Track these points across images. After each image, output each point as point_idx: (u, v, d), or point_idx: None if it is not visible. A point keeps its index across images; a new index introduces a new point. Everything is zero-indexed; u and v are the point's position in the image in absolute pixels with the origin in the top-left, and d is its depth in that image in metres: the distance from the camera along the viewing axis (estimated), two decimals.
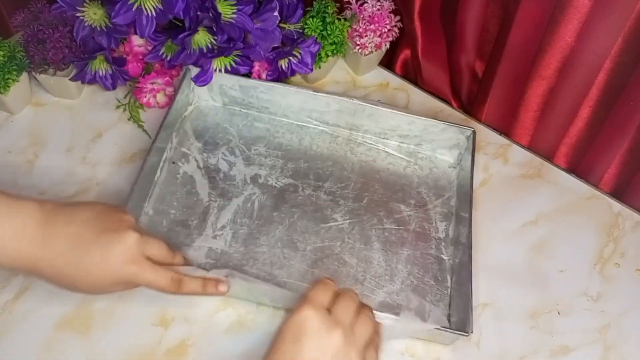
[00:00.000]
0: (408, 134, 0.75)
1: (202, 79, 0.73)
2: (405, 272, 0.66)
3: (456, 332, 0.59)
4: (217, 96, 0.77)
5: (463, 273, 0.63)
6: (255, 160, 0.73)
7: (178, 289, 0.56)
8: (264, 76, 0.76)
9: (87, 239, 0.52)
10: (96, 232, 0.52)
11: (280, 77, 0.77)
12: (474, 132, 0.73)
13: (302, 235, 0.68)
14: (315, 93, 0.74)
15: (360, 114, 0.74)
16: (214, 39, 0.70)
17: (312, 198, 0.71)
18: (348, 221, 0.69)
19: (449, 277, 0.66)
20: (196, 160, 0.72)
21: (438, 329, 0.59)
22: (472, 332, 0.58)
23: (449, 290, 0.65)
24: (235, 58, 0.73)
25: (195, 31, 0.68)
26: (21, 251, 0.51)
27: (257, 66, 0.76)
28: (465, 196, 0.70)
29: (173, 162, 0.72)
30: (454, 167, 0.75)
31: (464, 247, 0.65)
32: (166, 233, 0.66)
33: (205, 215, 0.68)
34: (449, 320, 0.63)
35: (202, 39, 0.70)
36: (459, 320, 0.61)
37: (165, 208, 0.68)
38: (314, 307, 0.50)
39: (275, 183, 0.71)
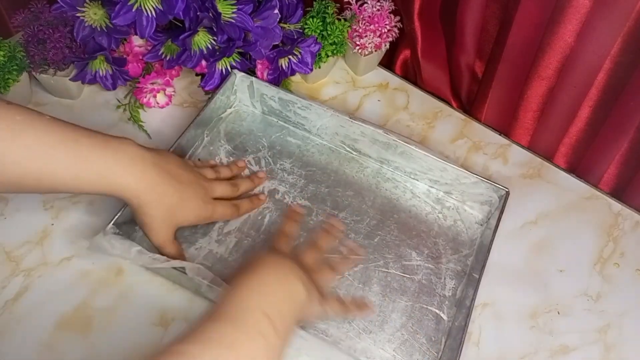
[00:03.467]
0: (439, 180, 0.71)
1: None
2: (399, 323, 0.62)
3: None
4: (258, 104, 0.77)
5: (457, 337, 0.59)
6: (278, 175, 0.72)
7: (239, 212, 0.67)
8: (265, 75, 0.76)
9: (185, 178, 0.61)
10: (187, 175, 0.62)
11: (280, 76, 0.77)
12: (507, 193, 0.67)
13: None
14: (352, 120, 0.71)
15: (393, 150, 0.71)
16: (214, 40, 0.70)
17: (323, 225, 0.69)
18: (353, 257, 0.67)
19: (443, 340, 0.62)
20: (221, 162, 0.72)
21: None
22: None
23: (440, 354, 0.61)
24: (235, 57, 0.74)
25: (195, 32, 0.68)
26: (135, 182, 0.57)
27: (259, 64, 0.76)
28: (482, 257, 0.65)
29: (199, 159, 0.72)
30: (481, 225, 0.70)
31: (467, 310, 0.60)
32: None
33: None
34: None
35: (202, 40, 0.70)
36: None
37: None
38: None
39: (291, 202, 0.70)
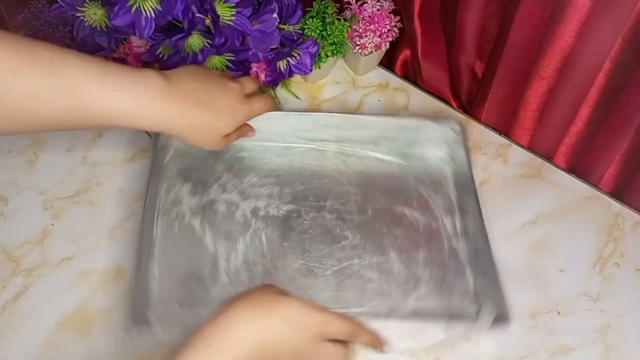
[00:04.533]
0: (395, 136, 0.75)
1: None
2: (427, 275, 0.66)
3: (498, 323, 0.60)
4: None
5: (482, 261, 0.64)
6: (251, 193, 0.70)
7: (268, 105, 0.66)
8: (262, 77, 0.76)
9: (212, 88, 0.61)
10: (212, 84, 0.61)
11: (278, 78, 0.77)
12: (461, 125, 0.74)
13: (318, 260, 0.66)
14: (300, 114, 0.75)
15: (347, 125, 0.74)
16: (208, 43, 0.69)
17: (317, 220, 0.69)
18: (359, 236, 0.68)
19: (468, 270, 0.66)
20: (189, 205, 0.69)
21: (490, 323, 0.59)
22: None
23: (472, 282, 0.65)
24: (228, 63, 0.73)
25: (189, 34, 0.68)
26: (160, 110, 0.56)
27: (254, 67, 0.76)
28: (464, 188, 0.70)
29: (166, 213, 0.68)
30: (447, 162, 0.75)
31: (474, 237, 0.66)
32: (180, 292, 0.62)
33: (216, 262, 0.64)
34: (478, 314, 0.62)
35: (195, 42, 0.69)
36: (493, 309, 0.61)
37: (171, 265, 0.64)
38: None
39: (277, 212, 0.69)
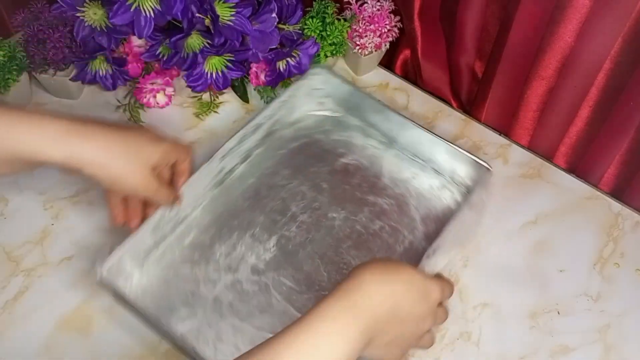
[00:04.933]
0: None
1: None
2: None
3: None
4: None
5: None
6: (253, 242, 0.67)
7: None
8: (262, 77, 0.76)
9: (122, 130, 0.57)
10: (124, 128, 0.58)
11: (278, 78, 0.77)
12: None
13: (333, 249, 0.67)
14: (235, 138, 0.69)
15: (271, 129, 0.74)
16: (208, 43, 0.69)
17: (298, 229, 0.68)
18: (339, 208, 0.69)
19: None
20: None
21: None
22: None
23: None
24: (228, 63, 0.73)
25: (189, 34, 0.68)
26: (68, 131, 0.53)
27: (254, 67, 0.76)
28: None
29: None
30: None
31: None
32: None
33: (216, 265, 0.65)
34: None
35: (195, 43, 0.69)
36: None
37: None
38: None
39: (270, 253, 0.66)
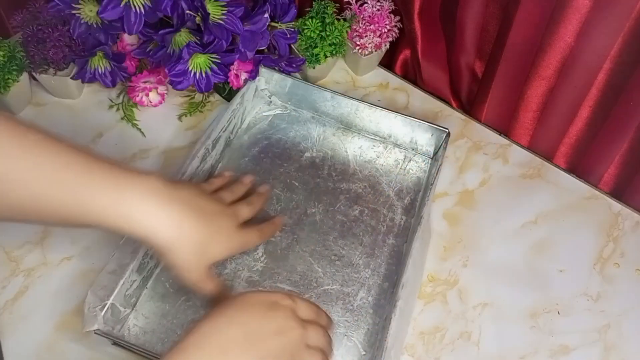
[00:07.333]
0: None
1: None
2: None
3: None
4: None
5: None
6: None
7: (265, 237, 0.64)
8: (242, 78, 0.74)
9: (210, 208, 0.56)
10: (212, 205, 0.57)
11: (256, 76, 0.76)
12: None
13: (321, 244, 0.67)
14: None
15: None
16: (197, 40, 0.68)
17: (282, 232, 0.67)
18: (316, 202, 0.70)
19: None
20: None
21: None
22: None
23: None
24: (213, 65, 0.72)
25: (178, 30, 0.67)
26: (157, 219, 0.51)
27: (234, 69, 0.73)
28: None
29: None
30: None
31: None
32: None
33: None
34: None
35: (183, 40, 0.69)
36: None
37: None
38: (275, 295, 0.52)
39: (256, 267, 0.65)
